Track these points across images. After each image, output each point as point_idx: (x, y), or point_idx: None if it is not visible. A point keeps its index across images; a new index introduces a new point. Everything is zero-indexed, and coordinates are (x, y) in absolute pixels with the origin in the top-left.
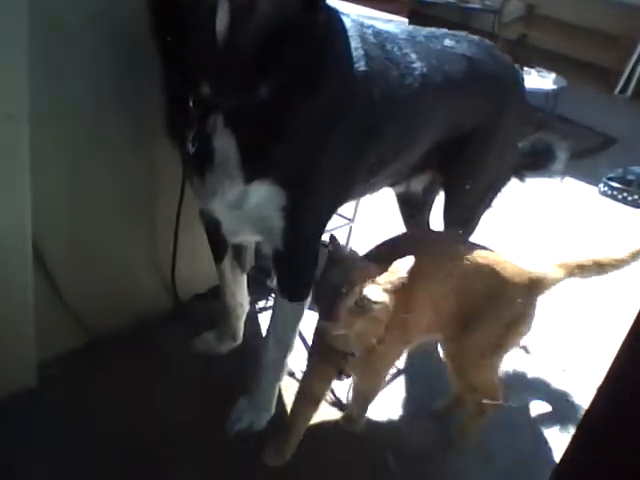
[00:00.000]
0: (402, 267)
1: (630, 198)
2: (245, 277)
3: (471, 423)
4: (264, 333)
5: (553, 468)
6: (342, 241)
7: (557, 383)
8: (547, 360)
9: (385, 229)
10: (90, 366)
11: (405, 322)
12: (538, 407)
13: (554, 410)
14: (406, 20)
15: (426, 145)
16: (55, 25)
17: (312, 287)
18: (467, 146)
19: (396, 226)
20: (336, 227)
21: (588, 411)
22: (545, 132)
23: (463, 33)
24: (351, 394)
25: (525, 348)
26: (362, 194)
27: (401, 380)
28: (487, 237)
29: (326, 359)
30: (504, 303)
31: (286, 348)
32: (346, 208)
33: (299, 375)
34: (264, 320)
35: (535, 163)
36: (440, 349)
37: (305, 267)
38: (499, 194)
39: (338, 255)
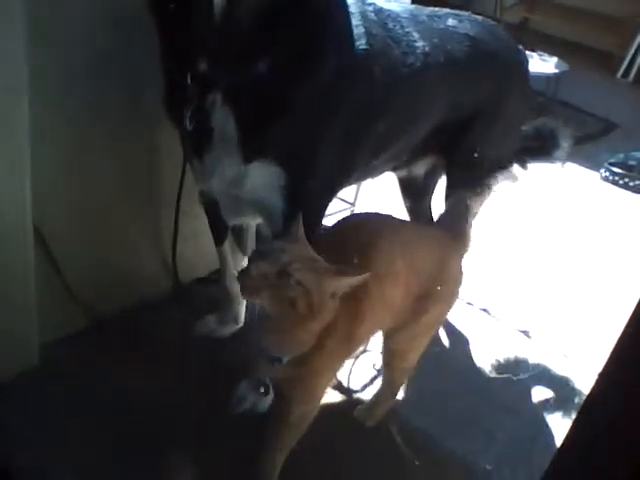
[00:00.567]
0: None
1: (631, 183)
2: (246, 260)
3: (384, 403)
4: None
5: (554, 453)
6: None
7: (558, 368)
8: (548, 345)
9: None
10: (91, 347)
11: (352, 330)
12: (539, 392)
13: (555, 395)
14: (408, 0)
15: (428, 126)
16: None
17: None
18: (469, 128)
19: (398, 210)
20: (337, 211)
21: (589, 397)
22: (546, 117)
23: (466, 13)
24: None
25: (526, 333)
26: (363, 177)
27: None
28: (488, 222)
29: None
30: (449, 277)
31: None
32: (347, 192)
33: None
34: None
35: (538, 148)
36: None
37: None
38: (501, 178)
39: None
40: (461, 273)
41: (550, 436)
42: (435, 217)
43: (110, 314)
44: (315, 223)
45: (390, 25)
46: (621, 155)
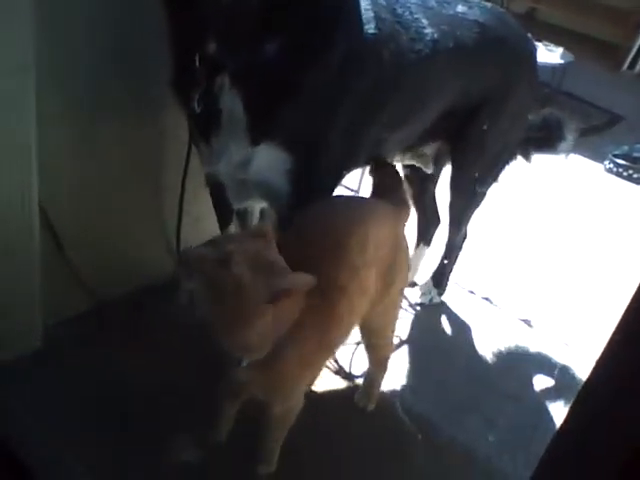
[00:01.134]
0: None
1: (636, 175)
2: None
3: (377, 382)
4: None
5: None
6: None
7: (559, 357)
8: (549, 334)
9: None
10: (94, 329)
11: (326, 335)
12: (540, 380)
13: (556, 383)
14: None
15: (435, 112)
16: None
17: None
18: (477, 115)
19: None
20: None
21: (585, 384)
22: (551, 108)
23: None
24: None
25: (528, 322)
26: (369, 163)
27: (404, 350)
28: (492, 212)
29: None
30: (403, 245)
31: None
32: (351, 179)
33: None
34: None
35: (543, 140)
36: None
37: None
38: (506, 167)
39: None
40: (406, 239)
41: (551, 423)
42: (439, 206)
43: (113, 297)
44: None
45: (399, 10)
46: (625, 147)
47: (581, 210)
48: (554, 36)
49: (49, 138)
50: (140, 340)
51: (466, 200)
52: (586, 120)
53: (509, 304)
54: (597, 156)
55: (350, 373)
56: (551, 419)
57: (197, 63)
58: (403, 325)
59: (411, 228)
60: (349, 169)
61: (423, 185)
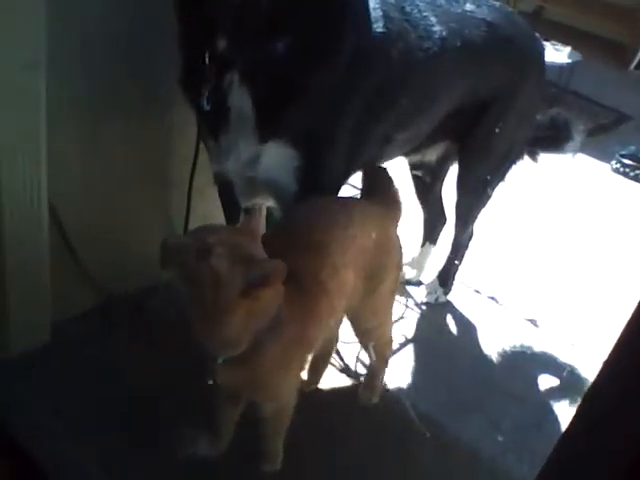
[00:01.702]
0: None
1: None
2: None
3: (379, 375)
4: None
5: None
6: None
7: (565, 357)
8: (555, 334)
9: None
10: (102, 325)
11: (305, 331)
12: (545, 380)
13: (561, 383)
14: None
15: (443, 111)
16: None
17: None
18: (484, 115)
19: (408, 196)
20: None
21: (592, 385)
22: (558, 107)
23: None
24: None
25: (534, 322)
26: (376, 162)
27: (409, 349)
28: (498, 212)
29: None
30: (393, 245)
31: None
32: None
33: None
34: None
35: (550, 139)
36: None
37: None
38: (513, 167)
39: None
40: (399, 239)
41: (556, 423)
42: (445, 205)
43: (121, 294)
44: None
45: (408, 9)
46: (632, 147)
47: (588, 210)
48: (562, 35)
49: (59, 136)
50: (147, 336)
51: (473, 199)
52: (593, 119)
53: (515, 304)
54: (604, 156)
55: (356, 371)
56: (556, 419)
57: (207, 60)
58: (408, 324)
59: (416, 227)
60: (356, 167)
61: (429, 184)
